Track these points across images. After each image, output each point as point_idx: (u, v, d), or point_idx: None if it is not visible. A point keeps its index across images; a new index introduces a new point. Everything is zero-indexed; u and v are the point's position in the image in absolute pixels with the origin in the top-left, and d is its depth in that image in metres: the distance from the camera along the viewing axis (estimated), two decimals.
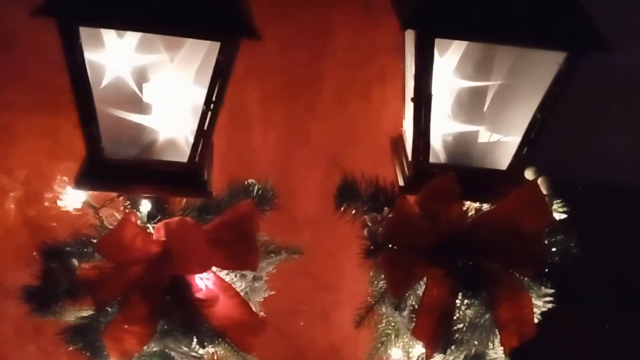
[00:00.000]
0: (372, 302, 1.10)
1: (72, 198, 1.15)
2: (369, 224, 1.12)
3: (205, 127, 1.06)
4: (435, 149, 1.14)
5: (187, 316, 1.09)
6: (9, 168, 1.37)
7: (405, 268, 1.05)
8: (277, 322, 1.62)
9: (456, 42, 1.08)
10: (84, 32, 0.97)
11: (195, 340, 1.11)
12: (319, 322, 1.66)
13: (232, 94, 1.41)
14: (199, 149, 1.08)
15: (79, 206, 1.16)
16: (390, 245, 1.07)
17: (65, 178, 1.15)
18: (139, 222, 1.11)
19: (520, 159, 1.10)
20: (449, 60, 1.09)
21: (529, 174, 1.24)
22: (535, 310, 1.12)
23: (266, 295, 1.27)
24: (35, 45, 1.28)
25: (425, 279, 1.07)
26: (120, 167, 1.08)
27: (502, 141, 1.12)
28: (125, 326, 1.06)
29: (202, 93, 1.03)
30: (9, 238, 1.36)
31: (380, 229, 1.08)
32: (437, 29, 0.98)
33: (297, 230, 1.52)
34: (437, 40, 1.00)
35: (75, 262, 1.05)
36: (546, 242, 1.08)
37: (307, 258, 1.49)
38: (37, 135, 1.36)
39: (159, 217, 1.14)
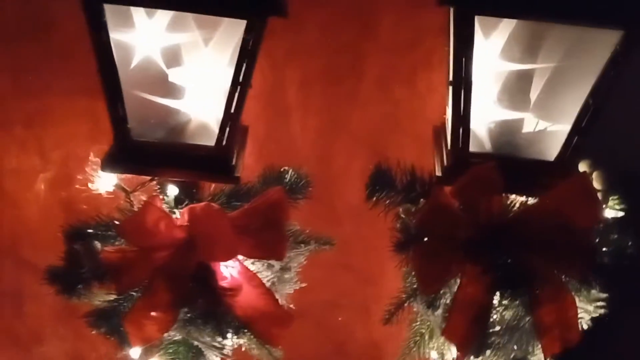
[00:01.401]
0: (403, 299, 1.04)
1: (104, 181, 1.14)
2: (403, 215, 1.05)
3: (233, 110, 1.02)
4: (477, 137, 1.06)
5: (210, 305, 1.06)
6: (45, 150, 1.38)
7: (438, 263, 0.98)
8: (316, 315, 1.59)
9: (503, 21, 0.99)
10: (109, 10, 0.95)
11: (217, 329, 1.07)
12: (359, 317, 1.61)
13: (270, 79, 1.39)
14: (227, 132, 1.04)
15: (110, 189, 1.14)
16: (422, 238, 1.00)
17: (98, 160, 1.14)
18: (165, 206, 1.08)
19: (570, 150, 1.01)
20: (495, 41, 1.01)
21: (582, 167, 1.14)
22: (584, 315, 1.04)
23: (297, 287, 1.22)
24: (74, 28, 1.28)
25: (460, 275, 1.00)
26: (147, 149, 1.06)
27: (550, 130, 1.03)
28: (147, 312, 1.03)
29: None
30: (42, 219, 1.37)
31: (413, 221, 1.01)
32: (478, 5, 0.90)
33: (337, 221, 1.46)
34: (479, 19, 0.93)
35: (98, 244, 1.03)
36: (598, 240, 0.98)
37: (348, 250, 1.44)
38: (76, 118, 1.36)
39: (187, 202, 1.11)
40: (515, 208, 1.03)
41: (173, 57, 1.03)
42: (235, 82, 1.00)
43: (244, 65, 0.98)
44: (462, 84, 0.97)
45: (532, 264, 0.98)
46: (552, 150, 1.03)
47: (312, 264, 1.20)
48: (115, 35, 0.98)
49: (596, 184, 1.11)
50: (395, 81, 1.37)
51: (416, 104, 1.38)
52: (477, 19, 0.92)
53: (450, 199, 1.00)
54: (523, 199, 1.06)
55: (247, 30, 0.95)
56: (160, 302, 1.04)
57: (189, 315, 1.07)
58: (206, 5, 0.93)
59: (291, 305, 1.23)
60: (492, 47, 1.01)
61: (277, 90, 1.37)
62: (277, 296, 1.13)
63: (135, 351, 1.11)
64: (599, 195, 0.99)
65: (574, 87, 0.97)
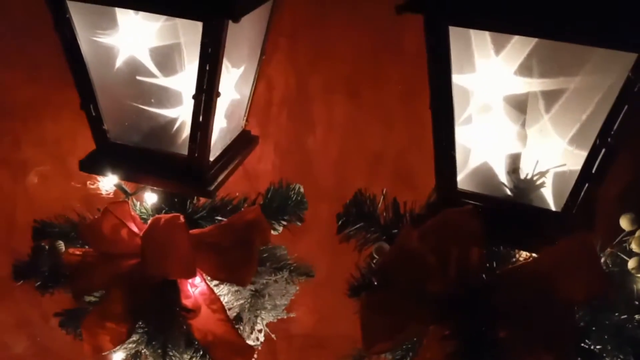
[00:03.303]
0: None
1: (106, 181, 1.12)
2: (375, 255, 0.91)
3: (201, 119, 0.95)
4: (470, 172, 0.88)
5: (163, 322, 1.00)
6: (43, 142, 1.39)
7: (391, 318, 0.82)
8: (335, 348, 1.46)
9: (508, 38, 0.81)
10: (90, 11, 0.92)
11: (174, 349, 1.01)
12: None
13: (292, 89, 1.29)
14: (198, 142, 0.97)
15: (111, 189, 1.13)
16: (380, 286, 0.85)
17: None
18: (138, 212, 1.04)
19: (579, 199, 0.80)
20: (500, 62, 0.83)
21: (624, 222, 0.91)
22: None
23: (283, 317, 1.12)
24: None
25: (421, 337, 0.84)
26: (123, 153, 1.02)
27: (558, 172, 0.82)
28: (102, 321, 1.00)
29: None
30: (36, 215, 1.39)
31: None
32: (450, 13, 0.74)
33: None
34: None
35: (62, 245, 1.01)
36: (589, 319, 0.77)
37: None
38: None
39: (166, 211, 1.06)
40: (503, 265, 0.85)
41: (155, 61, 0.98)
42: (199, 88, 0.92)
43: (207, 70, 0.90)
44: (442, 106, 0.81)
45: (506, 339, 0.79)
46: (559, 198, 0.82)
47: (334, 295, 1.09)
48: (93, 36, 0.95)
49: (635, 245, 0.88)
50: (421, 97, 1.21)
51: None
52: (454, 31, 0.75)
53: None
54: (526, 254, 0.87)
55: (205, 33, 0.87)
56: (113, 312, 0.99)
57: (144, 330, 1.01)
58: (160, 6, 0.87)
59: (273, 335, 1.13)
60: (494, 69, 0.83)
61: (300, 101, 1.27)
62: (248, 323, 1.05)
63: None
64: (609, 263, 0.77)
65: (582, 122, 0.77)
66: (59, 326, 1.07)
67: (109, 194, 1.12)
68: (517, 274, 0.80)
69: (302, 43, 1.21)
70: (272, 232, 1.11)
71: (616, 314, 0.82)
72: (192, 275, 0.98)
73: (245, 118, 1.14)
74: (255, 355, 1.13)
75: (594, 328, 0.78)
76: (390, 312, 0.83)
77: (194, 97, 0.92)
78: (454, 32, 0.78)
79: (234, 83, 1.05)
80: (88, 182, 1.13)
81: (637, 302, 0.87)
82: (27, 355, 1.53)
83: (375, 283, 0.87)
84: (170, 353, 0.99)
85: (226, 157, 1.08)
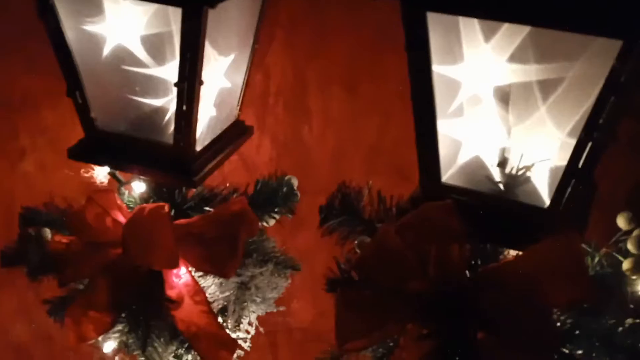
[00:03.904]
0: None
1: (100, 169, 1.12)
2: (357, 250, 0.88)
3: (185, 108, 0.93)
4: (461, 166, 0.85)
5: (148, 313, 0.99)
6: (42, 131, 1.39)
7: (367, 316, 0.79)
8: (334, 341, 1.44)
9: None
10: None
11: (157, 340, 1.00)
12: None
13: (289, 83, 1.26)
14: (182, 131, 0.95)
15: (104, 178, 1.12)
16: (358, 282, 0.82)
17: None
18: (125, 201, 1.03)
19: (566, 196, 0.75)
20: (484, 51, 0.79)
21: (621, 221, 0.87)
22: None
23: (273, 310, 1.10)
24: None
25: (398, 336, 0.81)
26: (110, 141, 1.01)
27: (553, 167, 0.78)
28: (86, 310, 0.99)
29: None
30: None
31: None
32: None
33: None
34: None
35: (48, 232, 1.01)
36: (570, 323, 0.73)
37: None
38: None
39: (154, 200, 1.05)
40: (490, 263, 0.81)
41: (145, 49, 0.97)
42: (182, 76, 0.90)
43: (188, 59, 0.88)
44: (422, 97, 0.77)
45: (484, 340, 0.75)
46: (545, 194, 0.78)
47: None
48: (78, 24, 0.94)
49: (631, 246, 0.84)
50: None
51: None
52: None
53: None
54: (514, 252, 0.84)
55: (184, 20, 0.85)
56: (97, 301, 0.99)
57: (128, 320, 1.00)
58: None
59: (261, 329, 1.11)
60: (483, 59, 0.80)
61: (297, 95, 1.24)
62: (234, 316, 1.03)
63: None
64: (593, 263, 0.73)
65: (567, 115, 0.72)
66: (47, 313, 1.07)
67: (102, 183, 1.12)
68: (498, 273, 0.76)
69: (299, 34, 1.18)
70: (265, 224, 1.09)
71: (606, 318, 0.78)
72: (175, 266, 0.97)
73: (238, 107, 1.12)
74: (246, 348, 1.12)
75: (577, 332, 0.74)
76: (366, 309, 0.80)
77: (176, 85, 0.91)
78: (440, 21, 0.74)
79: (224, 71, 1.03)
80: (82, 171, 1.13)
81: (632, 306, 0.83)
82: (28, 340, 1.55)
83: (356, 278, 0.84)
84: (155, 344, 0.99)
85: (216, 147, 1.06)
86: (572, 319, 0.75)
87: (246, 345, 1.13)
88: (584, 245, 0.87)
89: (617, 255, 0.84)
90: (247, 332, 1.11)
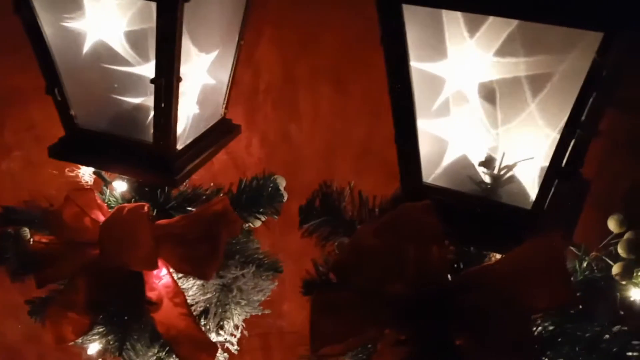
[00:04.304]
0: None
1: (86, 169, 1.10)
2: (337, 251, 0.85)
3: (163, 105, 0.91)
4: (447, 166, 0.82)
5: (127, 315, 0.97)
6: (29, 127, 1.37)
7: (343, 319, 0.76)
8: None
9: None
10: None
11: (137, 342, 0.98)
12: None
13: (278, 80, 1.23)
14: (161, 129, 0.93)
15: (90, 177, 1.10)
16: (335, 284, 0.80)
17: None
18: (106, 201, 1.01)
19: (548, 196, 0.72)
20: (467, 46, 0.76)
21: (611, 223, 0.83)
22: None
23: (258, 313, 1.08)
24: None
25: (376, 342, 0.78)
26: (90, 139, 0.99)
27: (527, 165, 0.75)
28: (64, 311, 0.97)
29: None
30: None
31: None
32: None
33: None
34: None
35: (27, 232, 0.99)
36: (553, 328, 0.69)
37: None
38: None
39: (136, 199, 1.03)
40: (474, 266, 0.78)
41: (126, 46, 0.95)
42: (159, 73, 0.88)
43: (164, 54, 0.86)
44: (400, 95, 0.74)
45: (463, 347, 0.72)
46: (529, 194, 0.75)
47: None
48: (56, 19, 0.92)
49: (621, 250, 0.80)
50: None
51: None
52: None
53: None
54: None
55: (159, 14, 0.83)
56: (77, 302, 0.97)
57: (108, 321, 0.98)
58: None
59: (245, 332, 1.09)
60: (468, 54, 0.76)
61: (286, 92, 1.21)
62: (216, 319, 1.01)
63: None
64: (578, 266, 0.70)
65: (550, 110, 0.69)
66: (27, 314, 1.05)
67: (87, 182, 1.11)
68: (478, 276, 0.73)
69: (288, 30, 1.16)
70: (250, 225, 1.07)
71: (592, 325, 0.74)
72: (153, 267, 0.95)
73: (224, 105, 1.10)
74: (234, 351, 1.10)
75: (560, 339, 0.71)
76: (343, 313, 0.77)
77: (153, 81, 0.88)
78: (418, 14, 0.71)
79: (206, 68, 1.01)
80: (67, 170, 1.11)
81: (622, 312, 0.79)
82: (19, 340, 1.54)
83: (334, 281, 0.81)
84: (135, 346, 0.96)
85: (199, 146, 1.03)
86: (555, 325, 0.71)
87: (234, 349, 1.11)
88: (573, 249, 0.84)
89: (606, 259, 0.81)
90: (233, 335, 1.09)
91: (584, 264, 0.81)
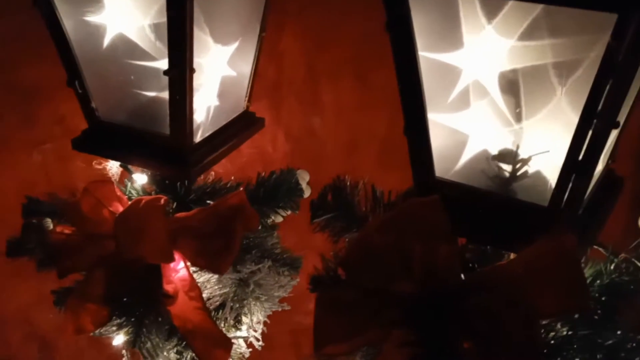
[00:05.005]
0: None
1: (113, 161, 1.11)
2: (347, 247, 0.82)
3: (178, 97, 0.90)
4: (468, 161, 0.78)
5: (144, 307, 0.97)
6: (57, 120, 1.38)
7: (348, 319, 0.74)
8: None
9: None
10: None
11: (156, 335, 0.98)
12: None
13: (300, 72, 1.20)
14: (179, 121, 0.93)
15: (117, 170, 1.12)
16: (341, 282, 0.77)
17: None
18: (127, 193, 1.01)
19: (566, 193, 0.67)
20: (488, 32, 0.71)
21: None
22: None
23: (277, 309, 1.06)
24: None
25: (382, 342, 0.74)
26: (110, 131, 1.00)
27: (544, 161, 0.70)
28: (83, 302, 0.98)
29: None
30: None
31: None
32: None
33: None
34: None
35: (50, 223, 1.01)
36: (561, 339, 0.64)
37: None
38: None
39: (155, 192, 1.03)
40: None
41: (146, 39, 0.94)
42: (171, 65, 0.87)
43: (176, 45, 0.85)
44: (408, 86, 0.71)
45: (470, 350, 0.68)
46: (546, 191, 0.70)
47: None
48: (75, 12, 0.93)
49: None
50: None
51: None
52: None
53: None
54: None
55: (169, 5, 0.82)
56: (95, 293, 0.98)
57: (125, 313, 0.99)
58: None
59: (264, 328, 1.07)
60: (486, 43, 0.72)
61: (310, 83, 1.19)
62: (233, 314, 1.00)
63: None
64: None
65: (565, 101, 0.64)
66: (53, 304, 1.07)
67: (113, 175, 1.12)
68: (489, 277, 0.69)
69: (309, 22, 1.13)
70: (273, 220, 1.05)
71: (615, 332, 0.69)
72: (169, 260, 0.94)
73: (247, 98, 1.09)
74: (257, 347, 1.08)
75: (575, 346, 0.66)
76: (348, 312, 0.74)
77: (165, 72, 0.88)
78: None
79: (226, 60, 1.00)
80: (94, 163, 1.12)
81: None
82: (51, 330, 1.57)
83: (342, 277, 0.78)
84: (153, 339, 0.96)
85: (219, 139, 1.03)
86: (571, 330, 0.66)
87: (258, 345, 1.10)
88: (601, 249, 0.79)
89: (636, 261, 0.75)
90: (254, 330, 1.08)
91: (611, 266, 0.75)
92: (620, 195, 0.82)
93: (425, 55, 0.71)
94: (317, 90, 1.18)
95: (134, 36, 0.93)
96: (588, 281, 0.75)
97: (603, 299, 0.73)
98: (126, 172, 1.10)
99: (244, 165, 1.24)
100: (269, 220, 1.05)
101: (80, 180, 1.14)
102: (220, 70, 1.00)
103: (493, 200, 0.73)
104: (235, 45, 1.00)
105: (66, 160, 1.40)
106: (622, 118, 0.68)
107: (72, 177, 1.26)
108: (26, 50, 1.35)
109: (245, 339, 1.08)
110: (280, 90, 1.20)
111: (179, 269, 0.98)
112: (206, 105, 0.99)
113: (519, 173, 0.70)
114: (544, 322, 0.71)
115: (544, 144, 0.71)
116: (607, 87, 0.59)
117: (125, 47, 0.94)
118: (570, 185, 0.66)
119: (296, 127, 1.22)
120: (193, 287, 0.96)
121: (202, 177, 1.07)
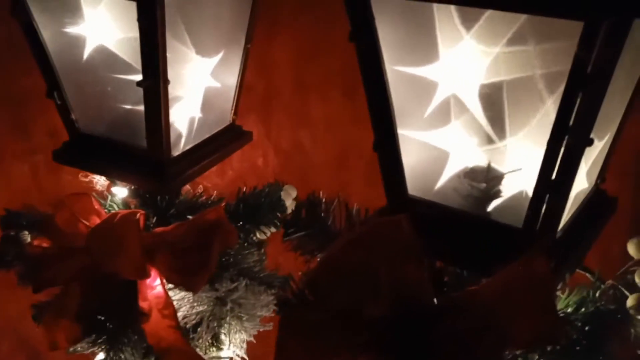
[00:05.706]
0: None
1: None
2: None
3: (152, 108, 0.88)
4: (450, 179, 0.74)
5: (119, 324, 0.95)
6: (42, 132, 1.37)
7: (313, 342, 0.70)
8: None
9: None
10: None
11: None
12: None
13: (289, 85, 1.17)
14: (155, 133, 0.90)
15: (104, 182, 1.10)
16: (307, 303, 0.73)
17: None
18: (106, 206, 1.00)
19: (541, 213, 0.63)
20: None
21: (632, 248, 0.73)
22: None
23: (257, 330, 1.02)
24: None
25: None
26: (90, 143, 0.98)
27: (517, 179, 0.66)
28: (58, 317, 0.96)
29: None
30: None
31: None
32: None
33: None
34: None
35: (27, 235, 0.99)
36: None
37: None
38: None
39: (135, 205, 1.01)
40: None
41: (126, 51, 0.93)
42: (145, 75, 0.85)
43: (149, 56, 0.83)
44: (376, 99, 0.67)
45: None
46: (522, 212, 0.66)
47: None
48: (54, 23, 0.91)
49: (639, 279, 0.70)
50: None
51: None
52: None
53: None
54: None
55: (139, 14, 0.80)
56: (70, 309, 0.95)
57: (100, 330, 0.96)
58: None
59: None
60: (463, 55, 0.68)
61: (298, 96, 1.16)
62: (209, 333, 0.96)
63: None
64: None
65: (553, 112, 0.60)
66: (32, 319, 1.05)
67: (100, 187, 1.10)
68: (461, 300, 0.65)
69: (298, 33, 1.11)
70: (257, 236, 1.02)
71: None
72: (143, 276, 0.91)
73: (232, 111, 1.06)
74: None
75: None
76: (313, 335, 0.70)
77: (139, 84, 0.85)
78: (397, 7, 0.64)
79: (209, 71, 0.97)
80: (80, 175, 1.11)
81: (639, 351, 0.68)
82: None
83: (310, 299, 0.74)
84: (127, 357, 0.94)
85: (201, 152, 1.00)
86: None
87: None
88: (588, 275, 0.74)
89: (622, 289, 0.70)
90: (240, 349, 1.04)
91: (596, 294, 0.70)
92: (612, 217, 0.77)
93: (396, 68, 0.67)
94: (305, 103, 1.15)
95: (113, 47, 0.91)
96: (571, 309, 0.70)
97: (587, 328, 0.68)
98: (113, 185, 1.09)
99: (234, 180, 1.21)
100: (254, 237, 1.02)
101: (70, 192, 1.13)
102: (203, 81, 0.97)
103: (467, 220, 0.69)
104: (219, 56, 0.97)
105: (58, 171, 1.39)
106: (602, 135, 0.63)
107: (64, 189, 1.24)
108: (18, 60, 1.34)
109: (230, 359, 1.04)
110: (270, 104, 1.18)
111: (155, 286, 0.95)
112: (188, 117, 0.97)
113: (491, 192, 0.66)
114: (519, 352, 0.66)
115: (527, 161, 0.67)
116: (578, 101, 0.54)
117: (105, 59, 0.92)
118: (544, 205, 0.62)
119: (285, 141, 1.19)
120: (167, 304, 0.93)
121: (189, 191, 1.05)
